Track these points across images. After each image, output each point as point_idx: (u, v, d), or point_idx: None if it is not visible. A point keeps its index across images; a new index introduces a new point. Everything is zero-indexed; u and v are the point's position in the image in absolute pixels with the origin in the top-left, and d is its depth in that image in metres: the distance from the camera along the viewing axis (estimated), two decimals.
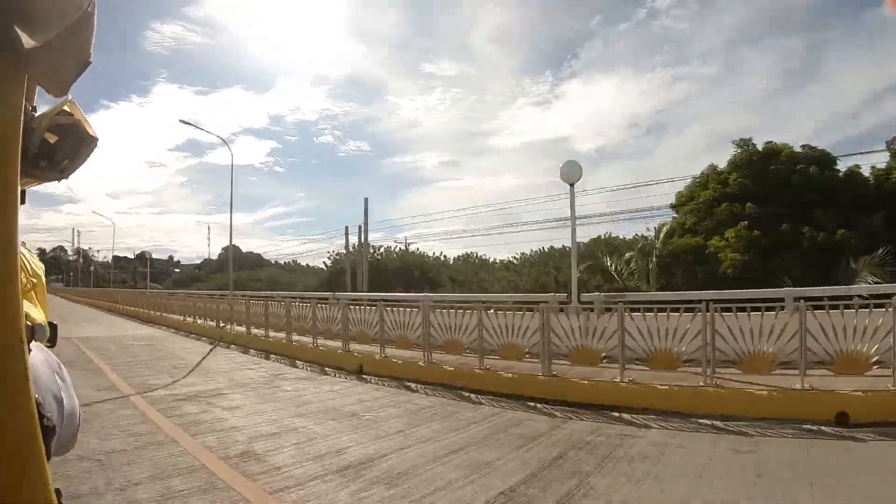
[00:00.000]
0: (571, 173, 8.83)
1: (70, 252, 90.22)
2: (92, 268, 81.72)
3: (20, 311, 0.80)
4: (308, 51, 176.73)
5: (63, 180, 1.16)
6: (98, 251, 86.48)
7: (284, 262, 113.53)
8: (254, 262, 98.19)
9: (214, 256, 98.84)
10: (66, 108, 1.04)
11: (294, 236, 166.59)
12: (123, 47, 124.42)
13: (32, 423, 0.78)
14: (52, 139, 1.05)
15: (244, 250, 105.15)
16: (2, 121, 0.80)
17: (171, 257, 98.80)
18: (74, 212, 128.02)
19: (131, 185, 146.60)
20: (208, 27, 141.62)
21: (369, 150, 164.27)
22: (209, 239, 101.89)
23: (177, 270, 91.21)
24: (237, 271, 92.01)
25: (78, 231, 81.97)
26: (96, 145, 1.12)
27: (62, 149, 1.08)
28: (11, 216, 0.79)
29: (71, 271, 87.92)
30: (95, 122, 1.11)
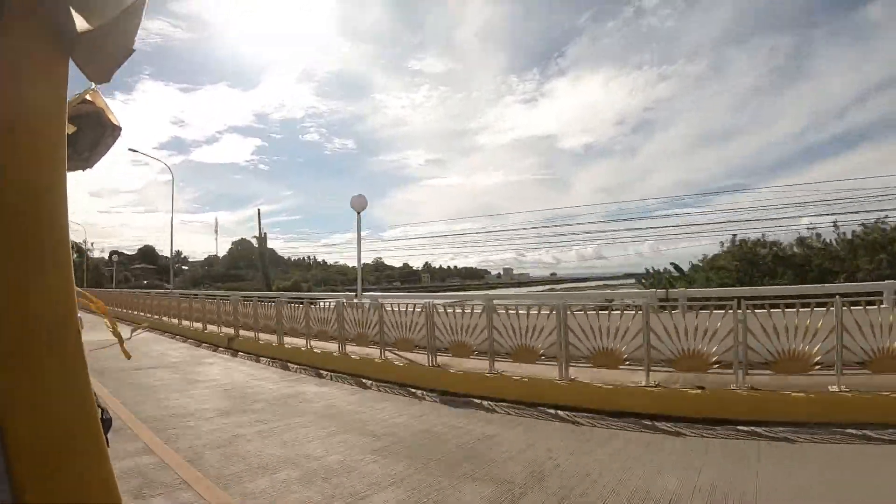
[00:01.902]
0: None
1: None
2: (85, 265, 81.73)
3: (74, 305, 0.78)
4: (294, 47, 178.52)
5: (87, 169, 1.14)
6: (93, 244, 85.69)
7: (296, 259, 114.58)
8: (271, 259, 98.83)
9: (222, 253, 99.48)
10: (87, 96, 1.03)
11: (280, 234, 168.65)
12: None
13: (96, 423, 0.77)
14: (71, 129, 1.02)
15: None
16: (51, 107, 0.77)
17: (179, 253, 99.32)
18: None
19: (115, 184, 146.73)
20: (194, 23, 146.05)
21: (355, 148, 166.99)
22: (216, 233, 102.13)
23: (185, 268, 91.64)
24: (250, 269, 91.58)
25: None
26: (120, 134, 1.10)
27: (85, 137, 1.06)
28: (60, 204, 0.77)
29: None
30: None
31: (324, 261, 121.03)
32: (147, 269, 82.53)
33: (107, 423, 0.86)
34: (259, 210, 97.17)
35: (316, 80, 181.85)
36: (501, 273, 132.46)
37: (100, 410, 0.84)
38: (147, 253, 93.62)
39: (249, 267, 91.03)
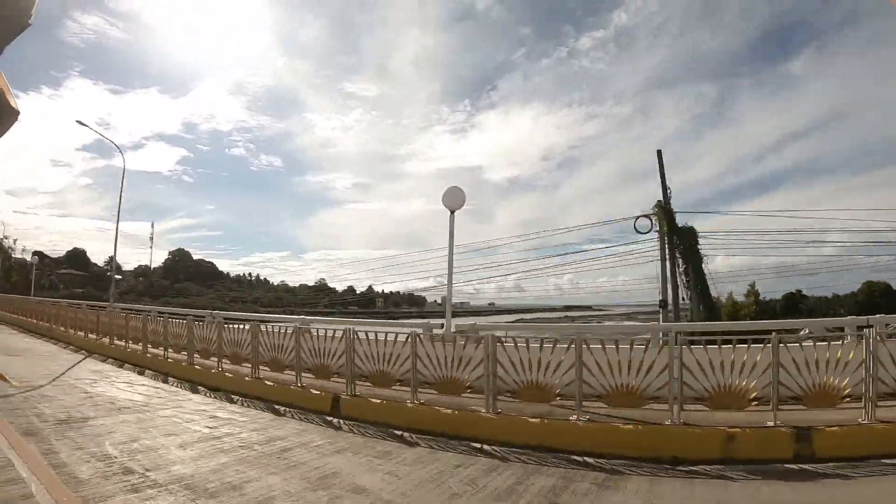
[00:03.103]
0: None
1: None
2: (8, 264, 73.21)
3: None
4: (230, 57, 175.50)
5: None
6: (15, 241, 77.89)
7: (236, 275, 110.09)
8: (208, 272, 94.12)
9: (157, 264, 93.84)
10: None
11: (199, 250, 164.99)
12: (39, 33, 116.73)
13: None
14: None
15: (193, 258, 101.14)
16: None
17: (111, 259, 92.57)
18: None
19: (33, 183, 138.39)
20: (130, 23, 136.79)
21: (282, 166, 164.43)
22: (152, 242, 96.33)
23: (118, 277, 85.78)
24: (190, 282, 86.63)
25: None
26: (17, 118, 1.03)
27: None
28: None
29: None
30: None
31: (265, 279, 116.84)
32: (77, 276, 76.64)
33: None
34: None
35: (248, 93, 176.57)
36: (439, 301, 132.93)
37: None
38: (76, 257, 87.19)
39: (191, 279, 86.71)
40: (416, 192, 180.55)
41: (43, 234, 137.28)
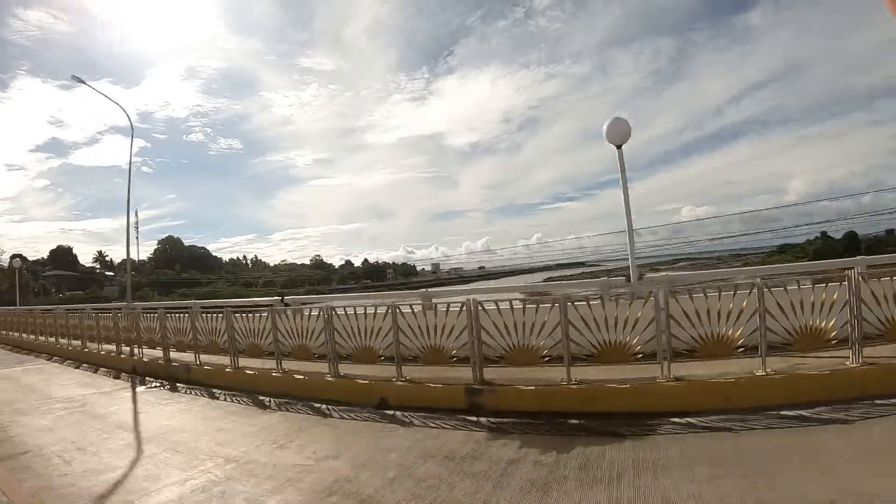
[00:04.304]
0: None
1: None
2: None
3: None
4: (179, 42, 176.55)
5: None
6: None
7: (229, 259, 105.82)
8: (201, 257, 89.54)
9: (143, 257, 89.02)
10: None
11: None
12: None
13: None
14: None
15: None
16: None
17: (101, 254, 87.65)
18: None
19: None
20: (76, 14, 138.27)
21: (241, 148, 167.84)
22: (135, 234, 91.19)
23: (109, 274, 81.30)
24: (194, 270, 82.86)
25: None
26: None
27: None
28: None
29: None
30: None
31: (263, 260, 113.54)
32: (65, 277, 71.84)
33: None
34: None
35: (202, 77, 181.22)
36: (431, 268, 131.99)
37: None
38: (60, 256, 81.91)
39: (186, 267, 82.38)
40: (378, 163, 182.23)
41: (4, 241, 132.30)
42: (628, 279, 7.17)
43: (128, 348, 9.91)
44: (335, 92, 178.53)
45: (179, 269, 79.44)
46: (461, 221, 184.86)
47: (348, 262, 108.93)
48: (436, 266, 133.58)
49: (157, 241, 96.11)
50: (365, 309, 6.26)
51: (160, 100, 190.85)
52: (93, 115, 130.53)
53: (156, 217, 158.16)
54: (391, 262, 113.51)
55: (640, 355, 4.84)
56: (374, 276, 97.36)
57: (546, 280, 58.01)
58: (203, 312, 8.43)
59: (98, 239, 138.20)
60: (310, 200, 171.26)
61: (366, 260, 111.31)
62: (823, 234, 59.77)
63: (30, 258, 73.89)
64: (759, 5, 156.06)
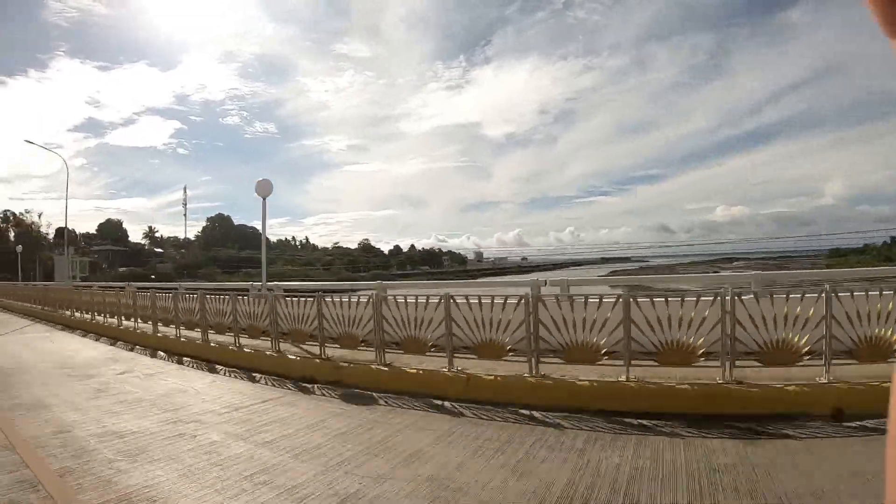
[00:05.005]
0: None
1: None
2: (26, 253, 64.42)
3: None
4: (217, 26, 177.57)
5: None
6: (39, 216, 69.68)
7: (277, 240, 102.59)
8: (249, 236, 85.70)
9: (190, 236, 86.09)
10: None
11: (198, 222, 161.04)
12: (21, 16, 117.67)
13: None
14: None
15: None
16: None
17: (151, 230, 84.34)
18: None
19: (25, 169, 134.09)
20: None
21: (276, 132, 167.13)
22: (185, 214, 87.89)
23: (159, 251, 77.86)
24: (245, 250, 78.95)
25: None
26: None
27: None
28: None
29: None
30: None
31: (313, 243, 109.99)
32: (117, 253, 68.44)
33: None
34: None
35: (238, 60, 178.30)
36: (475, 257, 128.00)
37: None
38: (109, 231, 78.80)
39: (239, 248, 78.66)
40: (412, 151, 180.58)
41: (42, 219, 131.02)
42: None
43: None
44: (371, 79, 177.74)
45: (237, 248, 75.52)
46: (493, 212, 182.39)
47: (397, 248, 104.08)
48: (479, 255, 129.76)
49: (205, 220, 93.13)
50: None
51: (196, 83, 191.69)
52: (130, 96, 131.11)
53: (190, 198, 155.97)
54: (439, 250, 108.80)
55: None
56: (430, 263, 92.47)
57: (611, 273, 55.18)
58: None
59: (133, 218, 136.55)
60: (343, 186, 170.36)
61: (412, 246, 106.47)
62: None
63: (77, 231, 71.09)
64: (801, 3, 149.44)
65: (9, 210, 70.54)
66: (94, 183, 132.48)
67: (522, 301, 5.06)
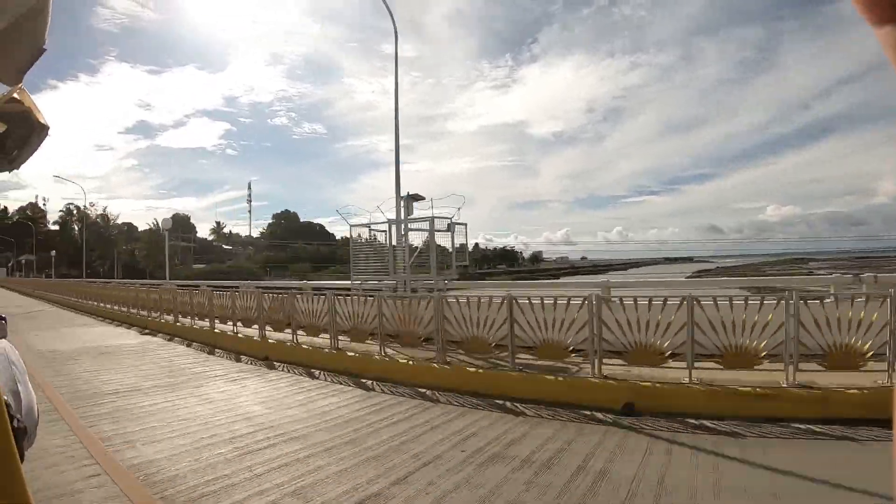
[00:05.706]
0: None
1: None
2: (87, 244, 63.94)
3: None
4: (264, 29, 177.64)
5: (14, 170, 1.14)
6: (104, 208, 69.68)
7: (342, 237, 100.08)
8: (316, 233, 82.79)
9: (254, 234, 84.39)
10: (15, 95, 1.00)
11: (246, 222, 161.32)
12: (71, 23, 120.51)
13: (3, 425, 0.76)
14: (1, 128, 1.01)
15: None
16: None
17: (220, 225, 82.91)
18: (21, 198, 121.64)
19: (78, 170, 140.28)
20: (161, 2, 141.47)
21: (324, 132, 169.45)
22: (250, 212, 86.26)
23: (228, 248, 75.68)
24: (315, 244, 75.45)
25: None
26: (48, 134, 1.08)
27: (12, 138, 1.05)
28: None
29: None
30: (41, 103, 1.05)
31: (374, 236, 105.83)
32: (185, 249, 66.30)
33: (20, 431, 0.85)
34: None
35: (285, 62, 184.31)
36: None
37: (13, 419, 0.85)
38: (177, 227, 77.14)
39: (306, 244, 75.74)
40: (458, 151, 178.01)
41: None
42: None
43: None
44: (417, 79, 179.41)
45: (313, 246, 72.37)
46: (540, 211, 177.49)
47: (462, 245, 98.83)
48: (538, 254, 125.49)
49: (271, 217, 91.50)
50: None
51: (245, 85, 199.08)
52: (180, 99, 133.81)
53: (240, 198, 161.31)
54: (512, 248, 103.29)
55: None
56: (506, 262, 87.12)
57: (695, 274, 49.92)
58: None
59: (182, 218, 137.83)
60: (391, 185, 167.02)
61: (482, 244, 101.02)
62: None
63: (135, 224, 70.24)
64: None
65: (72, 203, 70.49)
66: (146, 183, 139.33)
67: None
